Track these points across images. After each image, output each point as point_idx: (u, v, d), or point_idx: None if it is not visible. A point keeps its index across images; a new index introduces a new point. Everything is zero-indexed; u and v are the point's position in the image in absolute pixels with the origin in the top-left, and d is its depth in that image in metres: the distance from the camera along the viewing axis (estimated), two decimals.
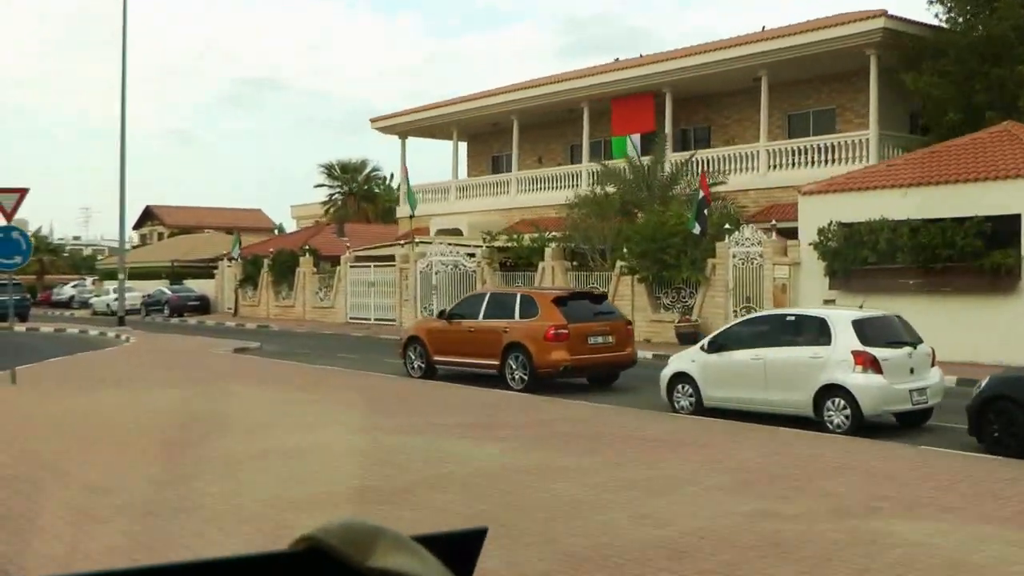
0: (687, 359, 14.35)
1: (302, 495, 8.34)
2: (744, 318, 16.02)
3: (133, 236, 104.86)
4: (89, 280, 62.71)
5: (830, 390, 12.38)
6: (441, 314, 19.20)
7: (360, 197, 64.39)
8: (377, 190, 65.36)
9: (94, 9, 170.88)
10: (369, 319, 37.43)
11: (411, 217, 36.69)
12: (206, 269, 56.95)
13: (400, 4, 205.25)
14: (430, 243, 36.50)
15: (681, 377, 14.16)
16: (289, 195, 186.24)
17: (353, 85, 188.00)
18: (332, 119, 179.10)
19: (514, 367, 17.38)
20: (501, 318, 17.93)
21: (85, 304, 61.41)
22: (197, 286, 48.65)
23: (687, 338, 21.97)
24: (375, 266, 37.80)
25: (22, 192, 18.26)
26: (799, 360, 12.71)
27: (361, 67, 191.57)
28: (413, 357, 19.41)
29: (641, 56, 41.40)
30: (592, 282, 28.24)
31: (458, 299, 31.96)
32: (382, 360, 23.15)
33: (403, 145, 47.16)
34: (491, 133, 45.90)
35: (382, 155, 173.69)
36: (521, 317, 17.59)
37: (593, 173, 35.60)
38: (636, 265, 26.19)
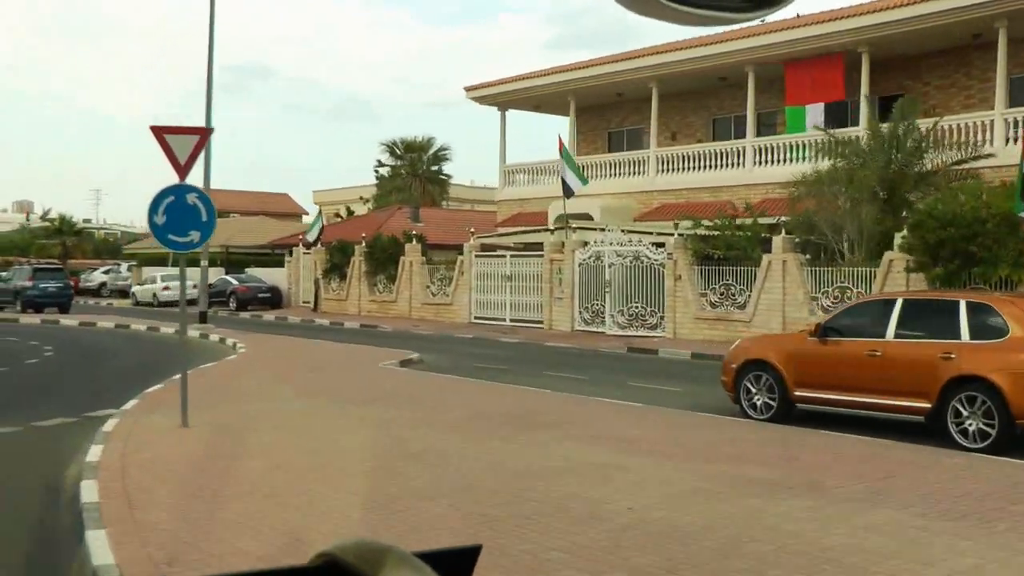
0: None
1: None
2: None
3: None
4: (124, 266, 56.22)
5: None
6: (822, 331, 12.85)
7: (426, 178, 58.05)
8: (444, 172, 59.01)
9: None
10: (502, 319, 31.20)
11: (564, 199, 30.36)
12: (264, 256, 50.70)
13: None
14: (593, 229, 30.18)
15: None
16: (285, 184, 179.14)
17: (341, 74, 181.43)
18: (319, 107, 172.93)
19: (966, 413, 11.20)
20: (934, 337, 11.78)
21: (122, 293, 55.02)
22: (264, 275, 42.24)
23: None
24: (512, 255, 31.52)
25: (203, 133, 12.01)
26: None
27: (349, 56, 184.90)
28: (754, 390, 13.21)
29: (822, 13, 35.09)
30: (843, 280, 22.07)
31: (636, 297, 26.58)
32: (627, 383, 16.92)
33: (503, 119, 40.88)
34: (608, 106, 39.69)
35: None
36: (974, 337, 11.40)
37: (799, 145, 29.38)
38: (925, 259, 19.99)
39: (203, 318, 30.00)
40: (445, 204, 58.20)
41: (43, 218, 77.44)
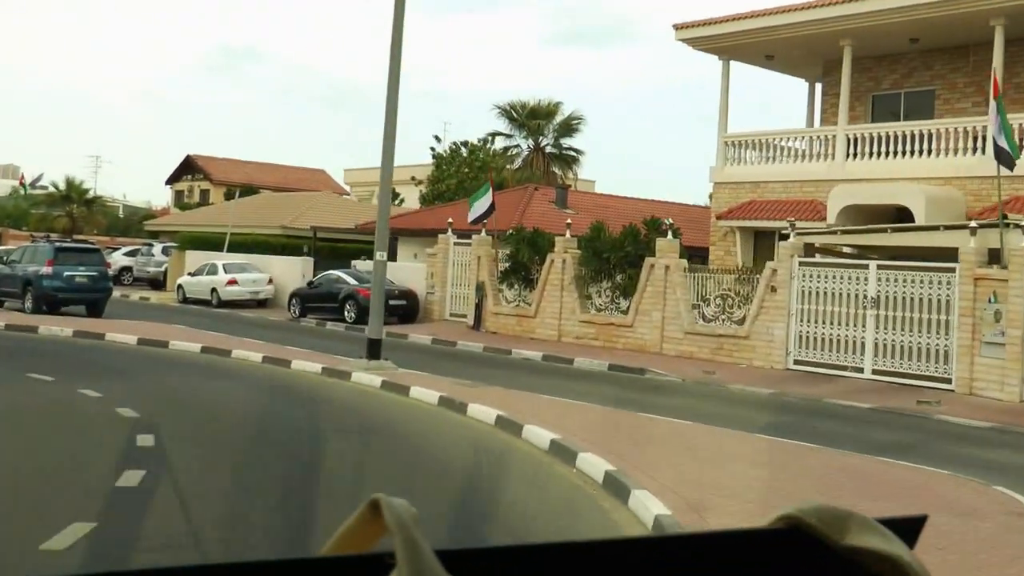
0: None
1: None
2: None
3: (159, 191, 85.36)
4: (157, 247, 43.03)
5: None
6: None
7: (551, 156, 45.40)
8: (574, 148, 46.29)
9: None
10: (851, 367, 18.62)
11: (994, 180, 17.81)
12: (349, 245, 37.88)
13: None
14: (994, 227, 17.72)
15: None
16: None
17: (336, 59, 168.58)
18: (314, 92, 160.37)
19: None
20: None
21: (153, 282, 41.91)
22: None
23: None
24: (879, 266, 18.92)
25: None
26: None
27: (345, 42, 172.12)
28: None
29: None
30: None
31: None
32: None
33: (726, 68, 28.25)
34: (882, 60, 27.16)
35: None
36: None
37: None
38: None
39: (374, 351, 17.14)
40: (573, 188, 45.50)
41: (33, 185, 63.88)
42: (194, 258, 38.08)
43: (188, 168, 75.32)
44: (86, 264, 26.54)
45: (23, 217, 56.69)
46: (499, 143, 45.77)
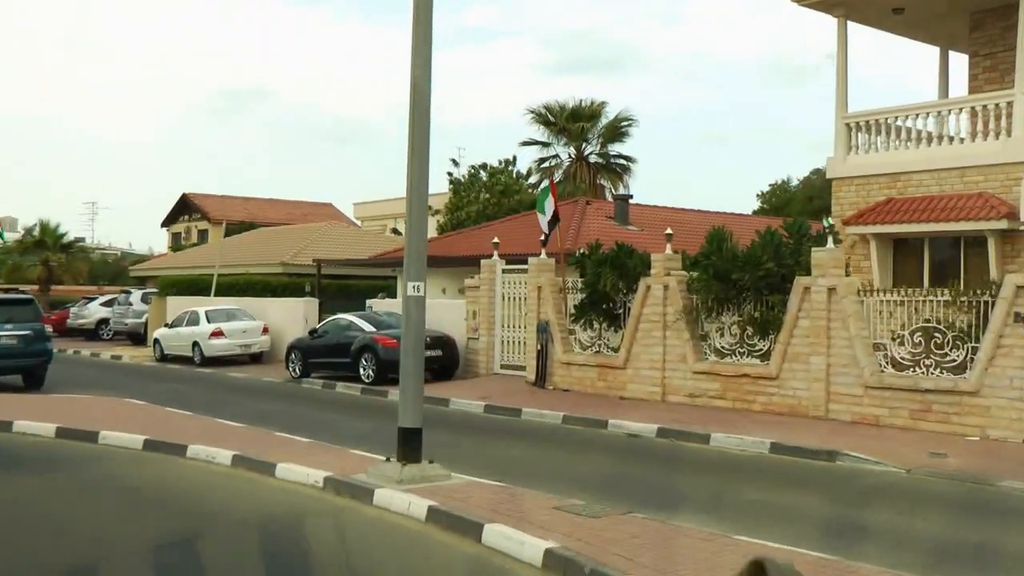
0: None
1: None
2: None
3: (161, 236, 78.38)
4: (136, 294, 36.17)
5: None
6: None
7: (597, 166, 38.60)
8: (624, 155, 39.46)
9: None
10: None
11: None
12: (358, 281, 31.22)
13: (384, 17, 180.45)
14: None
15: None
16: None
17: (340, 96, 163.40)
18: (319, 129, 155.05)
19: None
20: None
21: (133, 336, 35.16)
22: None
23: None
24: None
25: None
26: None
27: (348, 78, 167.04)
28: None
29: None
30: None
31: None
32: None
33: (842, 29, 21.35)
34: None
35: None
36: None
37: None
38: None
39: (411, 448, 10.19)
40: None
41: (27, 235, 57.34)
42: (176, 305, 31.29)
43: (184, 208, 68.89)
44: (16, 321, 19.76)
45: None
46: (531, 154, 39.13)
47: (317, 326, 21.69)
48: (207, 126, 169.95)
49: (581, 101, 38.12)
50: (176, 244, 65.51)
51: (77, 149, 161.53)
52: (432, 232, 47.07)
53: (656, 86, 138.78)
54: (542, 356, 19.23)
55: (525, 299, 20.25)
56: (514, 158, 48.03)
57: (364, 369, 19.96)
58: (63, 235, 46.47)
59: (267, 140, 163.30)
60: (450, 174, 51.40)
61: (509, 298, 20.71)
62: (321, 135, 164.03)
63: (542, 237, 19.42)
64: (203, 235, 64.43)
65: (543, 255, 19.94)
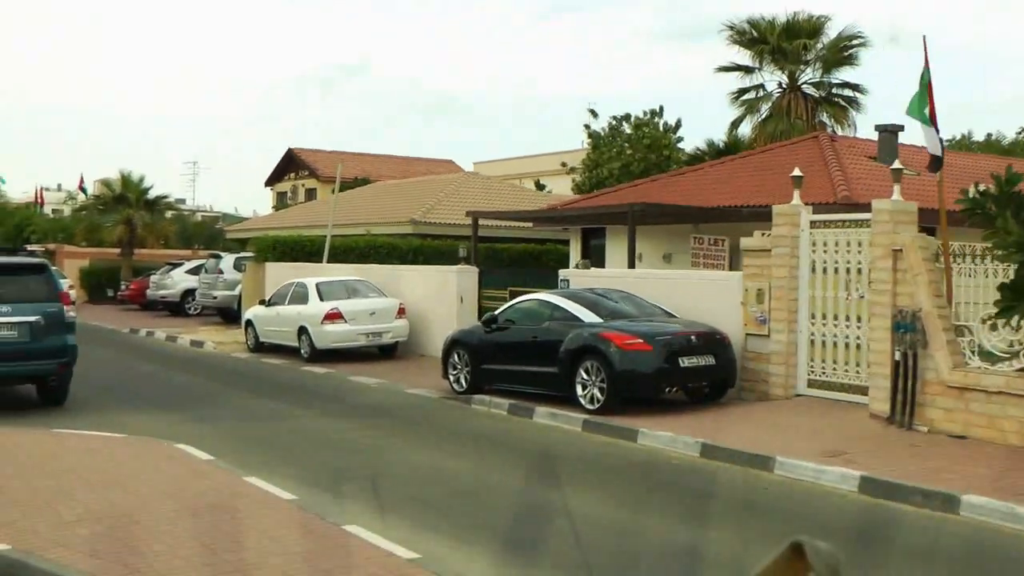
0: None
1: None
2: None
3: (265, 198, 71.41)
4: (228, 259, 28.66)
5: None
6: None
7: (816, 99, 29.75)
8: (850, 84, 30.45)
9: None
10: None
11: None
12: (502, 243, 23.39)
13: None
14: None
15: None
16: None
17: (436, 71, 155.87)
18: (415, 104, 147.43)
19: None
20: None
21: (225, 312, 27.91)
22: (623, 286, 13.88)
23: None
24: None
25: None
26: None
27: (443, 53, 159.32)
28: None
29: None
30: None
31: None
32: None
33: None
34: None
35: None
36: None
37: None
38: None
39: None
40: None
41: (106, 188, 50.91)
42: (278, 274, 23.72)
43: (291, 164, 62.02)
44: (14, 300, 12.13)
45: (71, 228, 43.79)
46: (726, 84, 30.62)
47: (496, 312, 13.57)
48: (307, 99, 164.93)
49: (796, 14, 29.20)
50: (281, 204, 58.70)
51: (180, 120, 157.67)
52: (567, 192, 39.30)
53: None
54: (904, 372, 10.81)
55: (859, 271, 11.83)
56: (660, 108, 40.19)
57: (585, 386, 11.79)
58: (147, 189, 39.46)
59: (368, 112, 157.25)
60: (587, 127, 43.42)
61: (821, 269, 12.29)
62: (419, 108, 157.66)
63: (930, 162, 10.96)
64: (311, 194, 57.51)
65: (895, 196, 11.45)
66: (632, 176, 40.65)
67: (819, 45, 29.12)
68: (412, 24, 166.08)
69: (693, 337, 12.07)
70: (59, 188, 72.28)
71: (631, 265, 16.91)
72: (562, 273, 16.19)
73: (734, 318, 12.83)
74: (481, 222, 21.90)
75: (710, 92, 77.19)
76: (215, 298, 27.95)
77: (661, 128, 41.44)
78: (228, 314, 27.81)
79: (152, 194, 39.82)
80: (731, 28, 29.70)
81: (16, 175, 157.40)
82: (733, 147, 31.81)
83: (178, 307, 31.18)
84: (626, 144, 40.48)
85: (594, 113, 43.39)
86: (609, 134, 41.82)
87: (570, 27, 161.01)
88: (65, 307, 12.71)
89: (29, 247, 15.14)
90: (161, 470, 8.70)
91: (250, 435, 11.03)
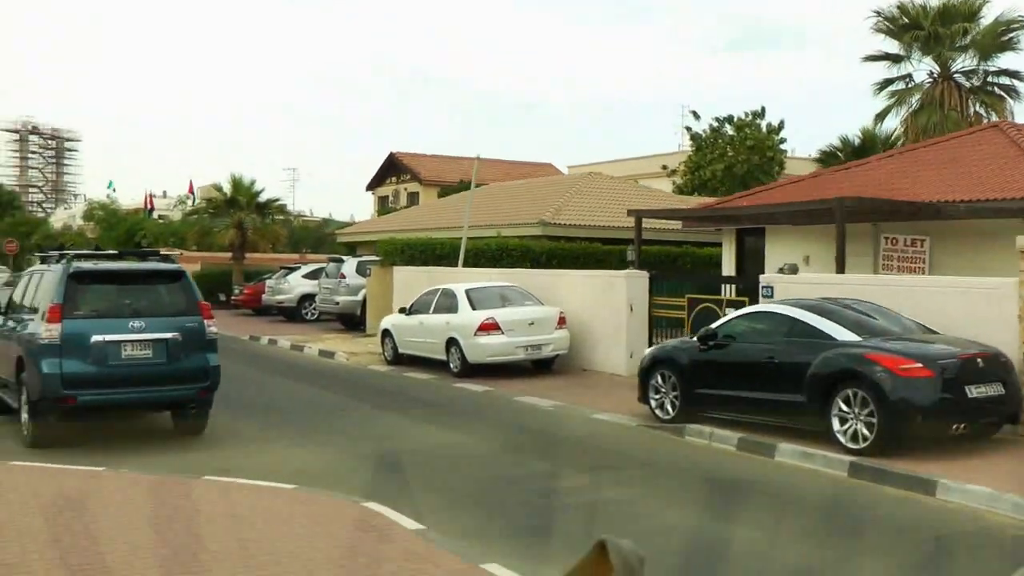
0: None
1: None
2: None
3: (365, 202, 70.23)
4: (350, 263, 26.91)
5: None
6: None
7: (971, 89, 26.81)
8: (1007, 72, 27.43)
9: None
10: None
11: None
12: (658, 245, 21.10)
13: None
14: None
15: None
16: None
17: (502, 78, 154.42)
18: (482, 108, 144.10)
19: None
20: None
21: (348, 319, 26.23)
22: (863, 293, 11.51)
23: None
24: None
25: None
26: None
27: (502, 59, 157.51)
28: None
29: None
30: None
31: None
32: None
33: None
34: None
35: None
36: None
37: None
38: None
39: None
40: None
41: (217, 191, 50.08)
42: (406, 279, 21.80)
43: (392, 168, 60.65)
44: (149, 314, 10.31)
45: (181, 233, 42.84)
46: (873, 73, 28.42)
47: (714, 325, 11.25)
48: (391, 103, 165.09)
49: None
50: (383, 208, 57.32)
51: (280, 125, 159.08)
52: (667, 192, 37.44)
53: None
54: None
55: None
56: (763, 109, 38.95)
57: (844, 419, 9.44)
58: (258, 192, 38.17)
59: (457, 118, 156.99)
60: (688, 128, 41.39)
61: None
62: (503, 113, 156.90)
63: None
64: (413, 198, 56.09)
65: None
66: (736, 178, 38.30)
67: (975, 30, 26.16)
68: (493, 32, 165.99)
69: (979, 360, 9.62)
70: (164, 195, 72.25)
71: (839, 269, 14.46)
72: (763, 279, 13.80)
73: (1003, 335, 10.33)
74: (621, 223, 19.47)
75: (815, 92, 73.77)
76: (337, 304, 26.22)
77: (764, 129, 39.03)
78: (349, 321, 26.10)
79: (262, 198, 38.56)
80: (878, 14, 26.96)
81: (124, 182, 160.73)
82: (871, 143, 29.14)
83: (294, 312, 29.63)
84: (728, 146, 38.54)
85: (696, 115, 41.16)
86: (711, 136, 39.62)
87: (648, 32, 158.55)
88: (206, 321, 10.83)
89: (163, 251, 12.97)
90: (363, 552, 6.60)
91: (448, 485, 8.91)
